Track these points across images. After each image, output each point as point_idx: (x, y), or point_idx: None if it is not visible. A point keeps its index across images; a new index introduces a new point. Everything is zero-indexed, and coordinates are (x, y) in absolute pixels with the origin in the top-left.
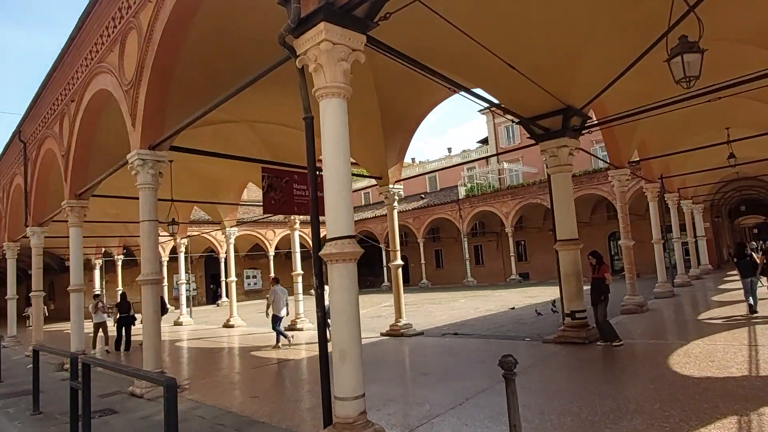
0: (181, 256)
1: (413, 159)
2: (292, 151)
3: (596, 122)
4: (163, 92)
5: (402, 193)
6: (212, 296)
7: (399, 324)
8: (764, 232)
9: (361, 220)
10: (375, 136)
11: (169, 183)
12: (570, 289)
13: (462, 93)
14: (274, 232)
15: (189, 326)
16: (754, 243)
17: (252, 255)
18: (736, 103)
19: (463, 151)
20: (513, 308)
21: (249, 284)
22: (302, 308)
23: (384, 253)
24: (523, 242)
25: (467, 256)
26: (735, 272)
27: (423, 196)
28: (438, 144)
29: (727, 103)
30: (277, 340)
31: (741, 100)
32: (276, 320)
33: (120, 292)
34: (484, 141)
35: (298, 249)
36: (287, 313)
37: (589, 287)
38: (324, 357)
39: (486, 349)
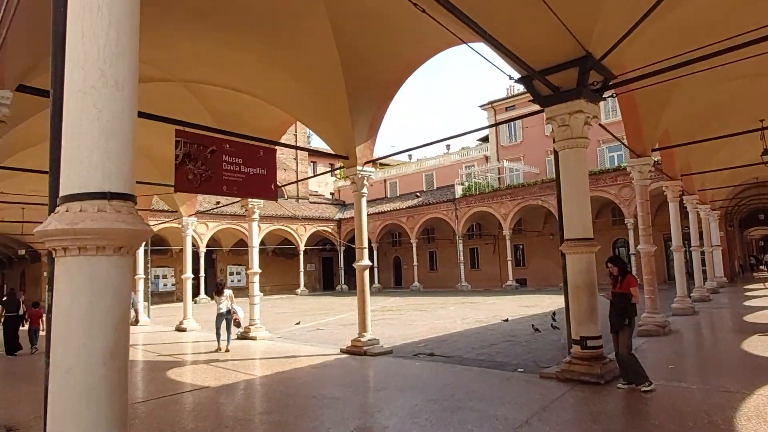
0: (140, 249)
1: (410, 155)
2: (238, 119)
3: (622, 81)
4: None
5: (373, 176)
6: (193, 292)
7: (362, 339)
8: None
9: (352, 216)
10: (337, 103)
11: None
12: (580, 307)
13: (447, 28)
14: (260, 227)
15: (143, 327)
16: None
17: (237, 250)
18: None
19: (462, 148)
20: (506, 320)
21: (233, 281)
22: (258, 313)
23: (376, 253)
24: (521, 246)
25: (462, 259)
26: (755, 286)
27: (418, 194)
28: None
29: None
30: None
31: None
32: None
33: (11, 289)
34: (485, 139)
35: (256, 243)
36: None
37: (607, 305)
38: None
39: (463, 385)
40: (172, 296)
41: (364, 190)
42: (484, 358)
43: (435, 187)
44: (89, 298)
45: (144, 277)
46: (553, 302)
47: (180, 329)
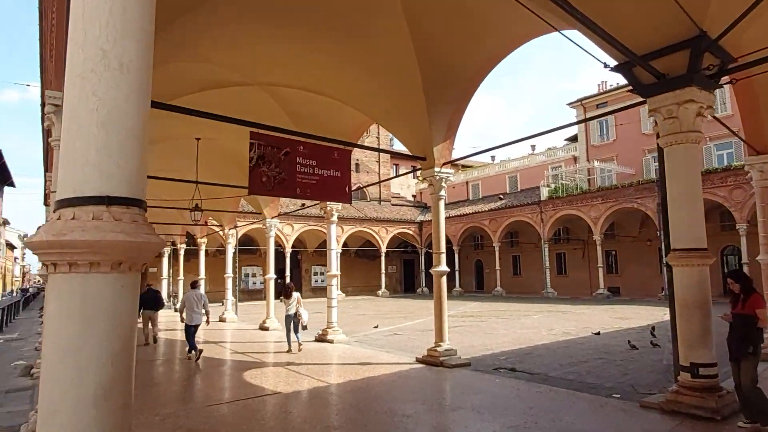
0: (229, 248)
1: (493, 157)
2: (315, 122)
3: (742, 64)
4: None
5: (453, 179)
6: (278, 291)
7: (439, 349)
8: None
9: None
10: (414, 102)
11: (193, 162)
12: (690, 328)
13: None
14: (342, 229)
15: (230, 324)
16: None
17: (321, 251)
18: None
19: (548, 149)
20: (598, 333)
21: (316, 281)
22: (335, 316)
23: (457, 256)
24: (613, 252)
25: (548, 264)
26: None
27: (501, 196)
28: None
29: None
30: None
31: None
32: (189, 330)
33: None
34: (573, 138)
35: (334, 245)
36: (206, 322)
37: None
38: None
39: (549, 410)
40: (261, 294)
41: (442, 192)
42: (572, 378)
43: (519, 190)
44: (79, 324)
45: (232, 275)
46: (651, 315)
47: (263, 328)
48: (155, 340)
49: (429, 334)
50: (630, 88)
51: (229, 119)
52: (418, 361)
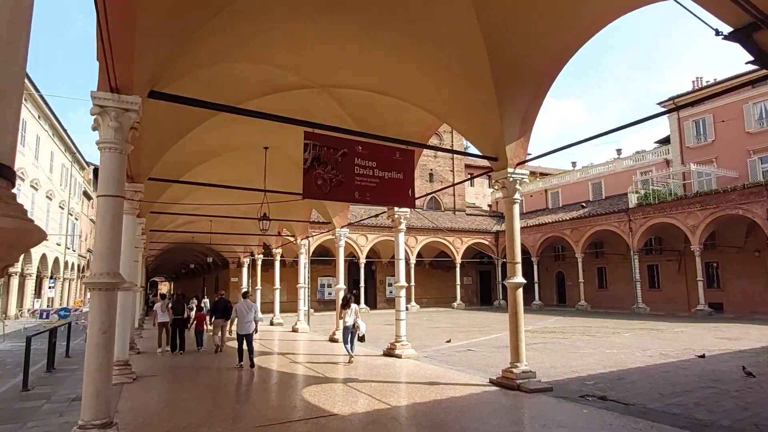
0: (301, 259)
1: (573, 163)
2: (378, 124)
3: None
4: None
5: (530, 187)
6: (354, 302)
7: (515, 371)
8: None
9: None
10: (483, 96)
11: (261, 171)
12: None
13: None
14: (416, 239)
15: (302, 334)
16: None
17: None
18: None
19: (636, 152)
20: (702, 356)
21: (390, 292)
22: (404, 329)
23: (536, 267)
24: (715, 264)
25: (638, 276)
26: None
27: (584, 204)
28: (607, 149)
29: None
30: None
31: None
32: (240, 339)
33: (176, 294)
34: (664, 141)
35: (402, 255)
36: (256, 331)
37: None
38: None
39: None
40: (335, 304)
41: (517, 196)
42: (677, 412)
43: (603, 197)
44: None
45: (305, 286)
46: (765, 335)
47: (332, 340)
48: (221, 349)
49: (505, 351)
50: (750, 60)
51: (283, 119)
52: (492, 382)
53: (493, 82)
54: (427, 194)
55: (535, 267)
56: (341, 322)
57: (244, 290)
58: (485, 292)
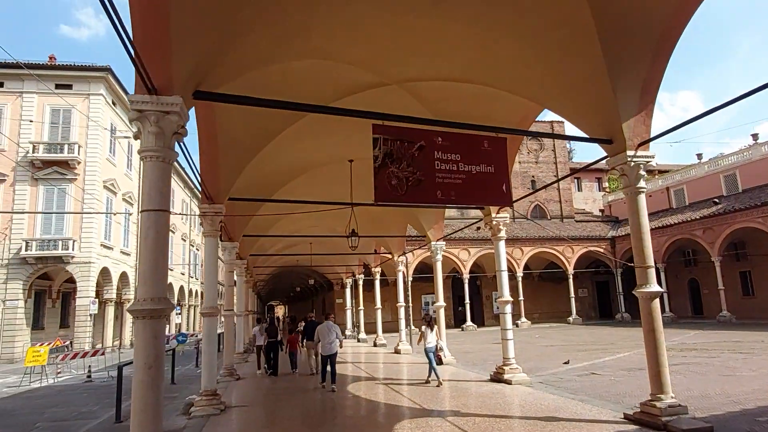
0: (399, 276)
1: (699, 155)
2: (464, 119)
3: None
4: None
5: (654, 163)
6: (459, 319)
7: (659, 404)
8: None
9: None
10: (588, 62)
11: (348, 186)
12: None
13: None
14: (522, 250)
15: (404, 356)
16: None
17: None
18: None
19: None
20: None
21: (497, 307)
22: (512, 350)
23: (664, 275)
24: None
25: None
26: None
27: (717, 200)
28: (740, 136)
29: None
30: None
31: None
32: (324, 360)
33: (270, 317)
34: None
35: (504, 265)
36: (340, 346)
37: None
38: None
39: None
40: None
41: (642, 183)
42: None
43: (740, 190)
44: None
45: (405, 305)
46: None
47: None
48: (316, 371)
49: (638, 375)
50: None
51: (348, 111)
52: (628, 419)
53: (600, 45)
54: (528, 194)
55: (663, 275)
56: (422, 343)
57: (327, 312)
58: (604, 304)
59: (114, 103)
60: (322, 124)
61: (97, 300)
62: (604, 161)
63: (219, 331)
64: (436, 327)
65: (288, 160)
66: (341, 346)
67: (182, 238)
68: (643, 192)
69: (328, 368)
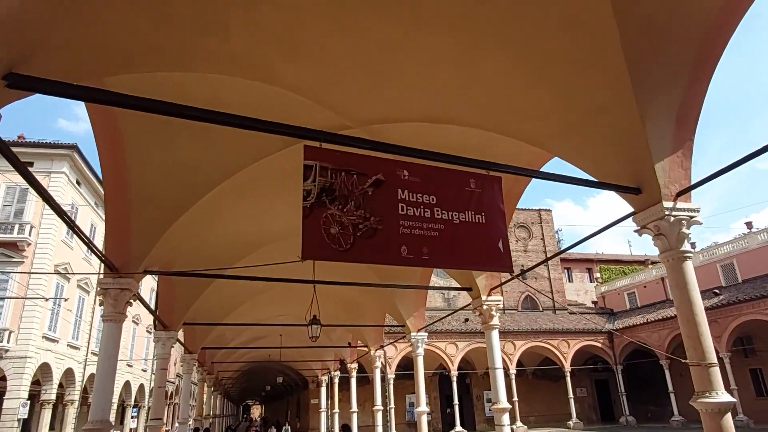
0: (377, 373)
1: (693, 244)
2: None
3: None
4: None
5: (641, 275)
6: (448, 423)
7: None
8: None
9: (628, 327)
10: (608, 85)
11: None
12: None
13: None
14: (514, 345)
15: None
16: None
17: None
18: None
19: None
20: None
21: (488, 410)
22: None
23: (668, 371)
24: None
25: None
26: None
27: (717, 291)
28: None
29: None
30: None
31: None
32: None
33: (244, 419)
34: None
35: (498, 362)
36: None
37: None
38: None
39: None
40: (429, 428)
41: (686, 246)
42: None
43: (740, 280)
44: None
45: (382, 408)
46: None
47: None
48: None
49: None
50: None
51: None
52: None
53: (624, 56)
54: (518, 274)
55: (667, 372)
56: None
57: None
58: (605, 405)
59: (78, 183)
60: (274, 180)
61: (28, 402)
62: (593, 253)
63: None
64: None
65: (233, 228)
66: None
67: (147, 330)
68: (689, 258)
69: None
